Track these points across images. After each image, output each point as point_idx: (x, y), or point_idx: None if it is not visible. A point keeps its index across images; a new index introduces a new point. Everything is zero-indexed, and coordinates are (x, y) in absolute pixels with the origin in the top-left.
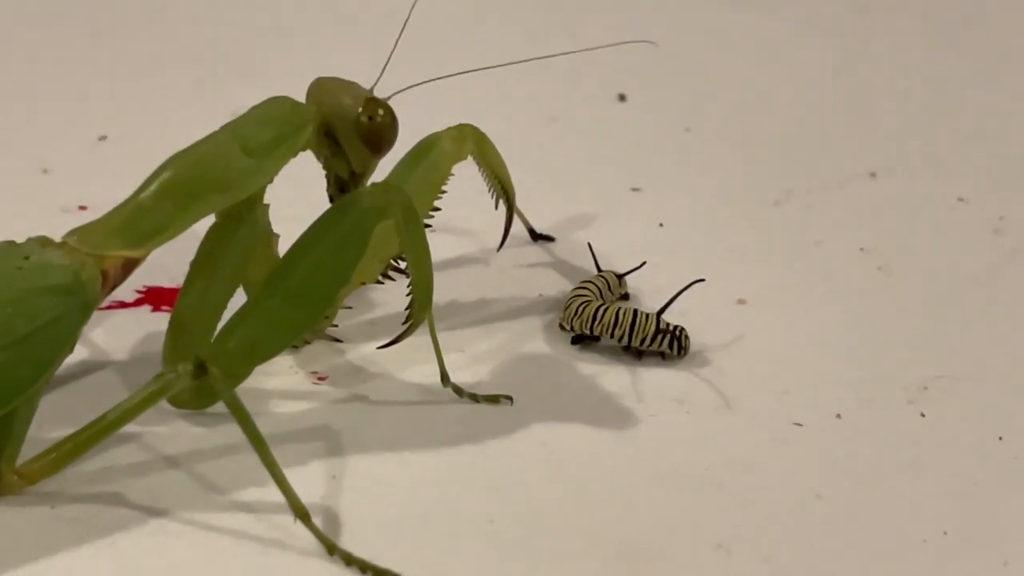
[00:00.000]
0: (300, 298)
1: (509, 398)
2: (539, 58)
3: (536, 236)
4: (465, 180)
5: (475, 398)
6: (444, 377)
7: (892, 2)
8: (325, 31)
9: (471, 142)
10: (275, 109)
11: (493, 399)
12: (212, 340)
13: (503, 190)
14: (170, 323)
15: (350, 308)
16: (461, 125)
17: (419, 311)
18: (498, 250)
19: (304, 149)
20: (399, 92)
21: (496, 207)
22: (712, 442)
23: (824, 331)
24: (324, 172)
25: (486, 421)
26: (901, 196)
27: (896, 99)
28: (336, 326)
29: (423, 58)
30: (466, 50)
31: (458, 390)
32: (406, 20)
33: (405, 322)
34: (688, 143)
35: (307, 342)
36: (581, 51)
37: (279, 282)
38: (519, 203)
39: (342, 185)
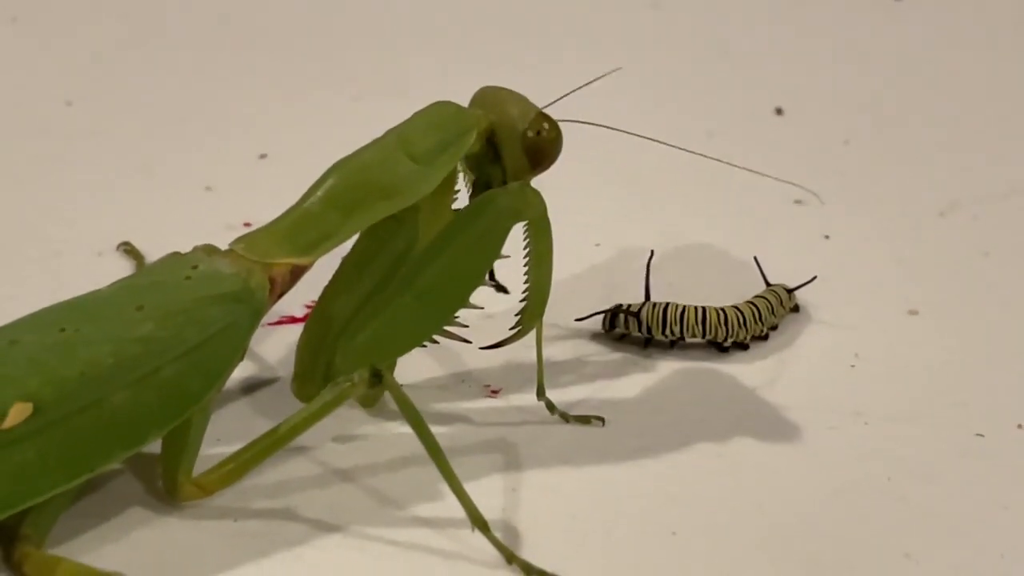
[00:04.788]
0: (434, 296)
1: (600, 419)
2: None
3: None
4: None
5: (566, 418)
6: (540, 390)
7: None
8: (478, 48)
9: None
10: (440, 114)
11: (584, 420)
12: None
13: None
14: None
15: (481, 308)
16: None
17: (529, 319)
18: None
19: (467, 155)
20: (566, 121)
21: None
22: (892, 453)
23: (999, 341)
24: (471, 179)
25: (663, 433)
26: None
27: None
28: (466, 326)
29: (581, 69)
30: (623, 63)
31: (550, 406)
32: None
33: (513, 328)
34: (848, 155)
35: (435, 341)
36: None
37: (413, 280)
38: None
39: None
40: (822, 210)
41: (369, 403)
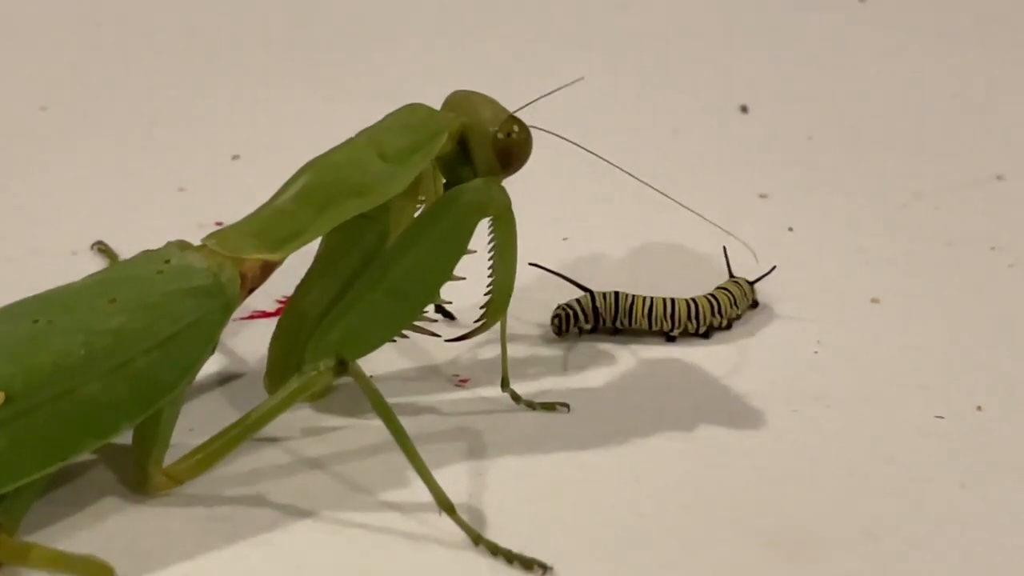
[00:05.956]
0: (404, 292)
1: (566, 406)
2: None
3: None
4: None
5: (532, 405)
6: (505, 382)
7: (1010, 12)
8: (449, 49)
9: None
10: (411, 115)
11: (550, 407)
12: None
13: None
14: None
15: (449, 303)
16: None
17: (493, 313)
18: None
19: (439, 156)
20: (535, 128)
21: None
22: (854, 435)
23: (959, 327)
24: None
25: (628, 418)
26: None
27: (1018, 105)
28: (434, 320)
29: (552, 70)
30: (592, 63)
31: (515, 397)
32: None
33: (477, 321)
34: (812, 150)
35: (404, 335)
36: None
37: (382, 276)
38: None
39: None
40: (786, 204)
41: (316, 396)
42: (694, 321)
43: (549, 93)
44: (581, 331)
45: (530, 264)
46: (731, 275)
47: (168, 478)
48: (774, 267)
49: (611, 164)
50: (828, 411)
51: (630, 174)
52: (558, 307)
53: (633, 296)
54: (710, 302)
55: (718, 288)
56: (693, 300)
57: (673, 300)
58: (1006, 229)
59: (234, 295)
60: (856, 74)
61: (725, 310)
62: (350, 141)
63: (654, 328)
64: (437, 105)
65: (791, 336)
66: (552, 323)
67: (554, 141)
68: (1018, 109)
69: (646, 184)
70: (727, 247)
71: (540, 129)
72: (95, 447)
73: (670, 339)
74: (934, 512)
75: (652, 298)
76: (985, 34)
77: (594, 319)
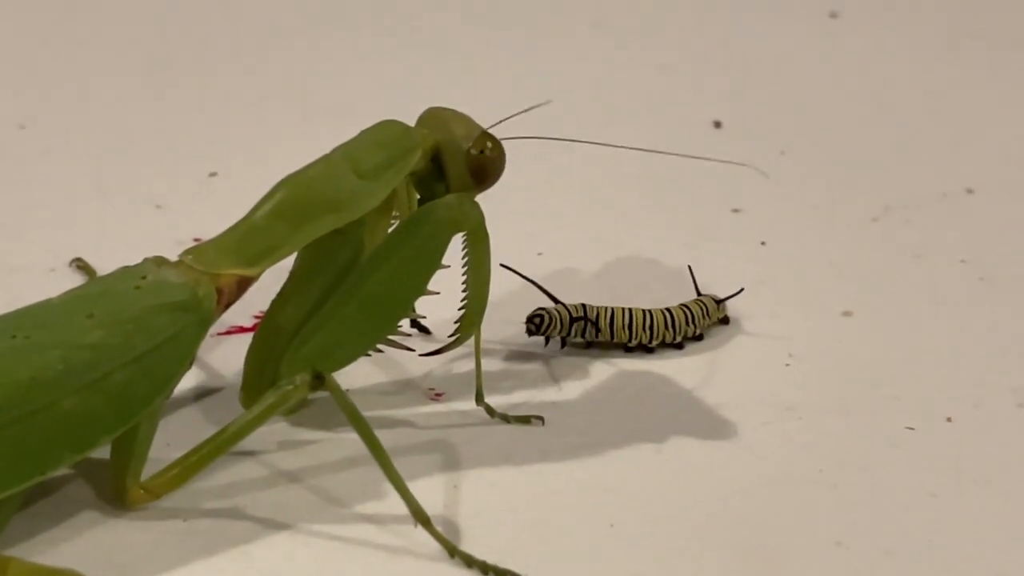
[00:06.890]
0: (378, 306)
1: (540, 419)
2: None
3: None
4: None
5: (506, 418)
6: (479, 396)
7: (982, 29)
8: (424, 68)
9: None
10: (386, 132)
11: (524, 420)
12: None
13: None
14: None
15: (423, 317)
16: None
17: (467, 328)
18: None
19: (412, 173)
20: (510, 139)
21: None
22: (825, 446)
23: (930, 339)
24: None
25: (601, 430)
26: (998, 211)
27: (988, 119)
28: (409, 335)
29: (527, 87)
30: (566, 80)
31: (490, 410)
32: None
33: (452, 335)
34: (784, 165)
35: (379, 350)
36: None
37: (357, 291)
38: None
39: None
40: (759, 218)
41: (292, 410)
42: (648, 332)
43: (518, 113)
44: (549, 338)
45: (501, 265)
46: (698, 294)
47: (146, 492)
48: (742, 289)
49: (598, 144)
50: (800, 422)
51: (615, 145)
52: (538, 308)
53: (598, 309)
54: (664, 315)
55: (681, 304)
56: (649, 312)
57: (631, 311)
58: (976, 242)
59: (211, 310)
60: (828, 89)
61: (680, 326)
62: (325, 157)
63: (615, 340)
64: (411, 122)
65: (763, 348)
66: (532, 322)
67: (529, 156)
68: (988, 123)
69: (644, 150)
70: (692, 266)
71: (520, 137)
72: (73, 461)
73: (648, 350)
74: (905, 522)
75: (613, 310)
76: (955, 49)
77: (569, 329)
